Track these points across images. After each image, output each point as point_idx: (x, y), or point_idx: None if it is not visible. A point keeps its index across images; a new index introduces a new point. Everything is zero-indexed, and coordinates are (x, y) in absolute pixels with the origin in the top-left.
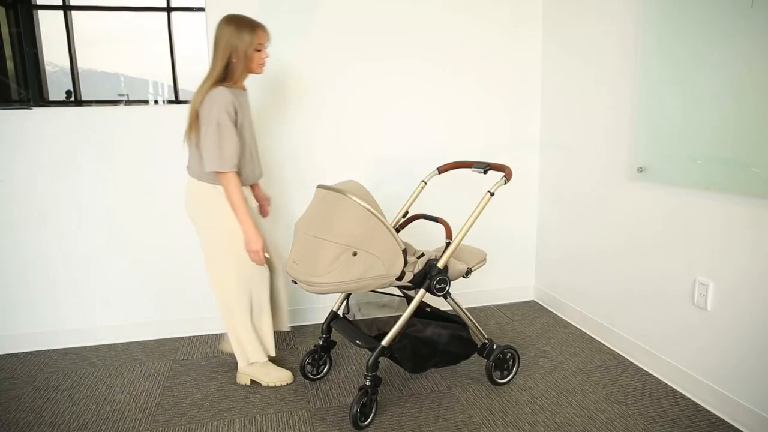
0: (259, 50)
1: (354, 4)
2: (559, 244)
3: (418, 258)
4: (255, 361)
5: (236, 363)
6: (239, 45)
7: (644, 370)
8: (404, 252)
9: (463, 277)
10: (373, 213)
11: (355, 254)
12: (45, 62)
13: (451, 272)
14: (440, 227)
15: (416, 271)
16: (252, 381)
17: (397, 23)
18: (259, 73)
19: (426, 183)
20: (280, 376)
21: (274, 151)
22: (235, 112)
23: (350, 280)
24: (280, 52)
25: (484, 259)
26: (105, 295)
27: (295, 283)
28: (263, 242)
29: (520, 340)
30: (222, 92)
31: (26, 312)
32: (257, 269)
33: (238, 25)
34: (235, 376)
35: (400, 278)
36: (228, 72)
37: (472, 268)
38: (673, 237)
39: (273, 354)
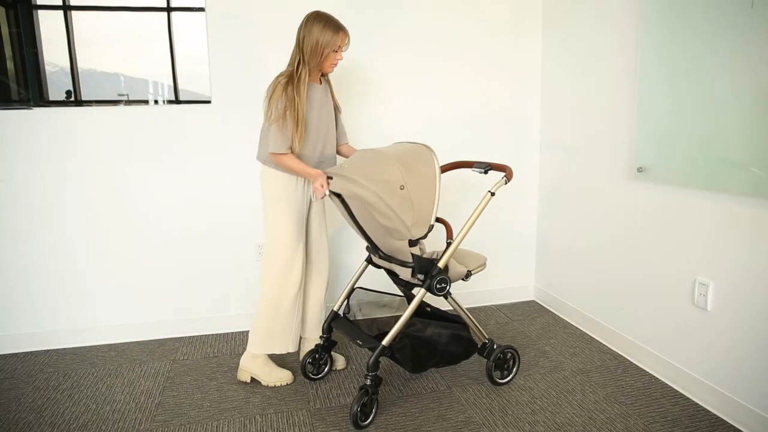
0: (336, 51)
1: (351, 4)
2: (559, 244)
3: None
4: (260, 352)
5: (236, 364)
6: (320, 41)
7: (644, 370)
8: (431, 228)
9: (463, 279)
10: (438, 182)
11: (402, 188)
12: (45, 62)
13: (451, 273)
14: (441, 227)
15: (423, 254)
16: (252, 379)
17: (396, 24)
18: (329, 72)
19: None
20: (281, 376)
21: None
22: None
23: (381, 204)
24: (274, 53)
25: (485, 264)
26: (105, 295)
27: (330, 178)
28: (324, 176)
29: (520, 340)
30: (279, 88)
31: (26, 312)
32: (295, 269)
33: (326, 23)
34: (235, 376)
35: (411, 243)
36: (301, 64)
37: (472, 272)
38: (673, 237)
39: (284, 351)
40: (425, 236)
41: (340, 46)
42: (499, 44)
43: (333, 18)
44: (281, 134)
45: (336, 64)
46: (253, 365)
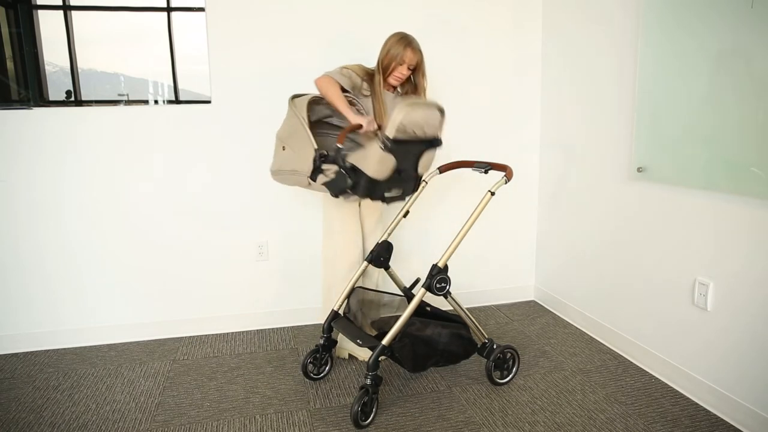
0: (401, 65)
1: (350, 6)
2: (559, 244)
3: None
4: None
5: (236, 364)
6: (390, 53)
7: (644, 370)
8: (316, 152)
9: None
10: (296, 114)
11: (283, 149)
12: (45, 62)
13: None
14: (440, 226)
15: (328, 180)
16: (350, 355)
17: (396, 25)
18: (393, 84)
19: (427, 182)
20: None
21: None
22: (352, 87)
23: (276, 170)
24: (274, 53)
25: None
26: (105, 294)
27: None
28: (369, 118)
29: (520, 340)
30: (359, 66)
31: (26, 312)
32: (348, 254)
33: (400, 39)
34: (235, 375)
35: (312, 177)
36: (377, 71)
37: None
38: (673, 237)
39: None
40: (316, 163)
41: (405, 62)
42: (499, 44)
43: (409, 37)
44: (341, 74)
45: (400, 79)
46: (349, 344)
